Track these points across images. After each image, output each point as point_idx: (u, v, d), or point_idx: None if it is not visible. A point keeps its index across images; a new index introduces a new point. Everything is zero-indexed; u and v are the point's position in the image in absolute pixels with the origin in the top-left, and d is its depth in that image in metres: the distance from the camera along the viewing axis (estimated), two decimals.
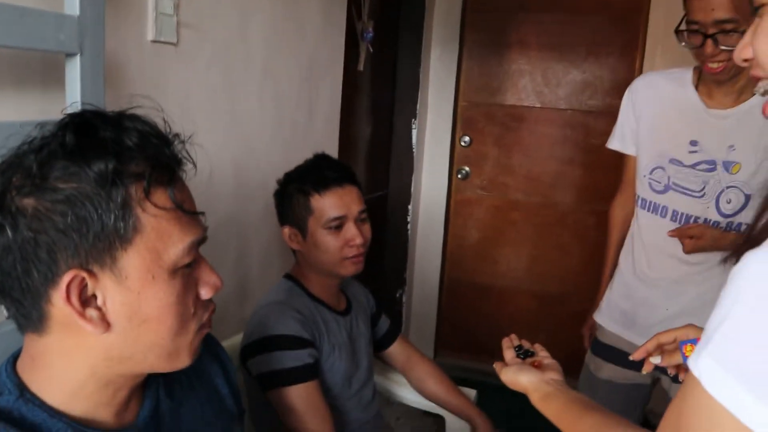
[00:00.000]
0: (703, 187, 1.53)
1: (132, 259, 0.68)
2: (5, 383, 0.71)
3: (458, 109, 3.10)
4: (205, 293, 0.78)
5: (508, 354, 1.10)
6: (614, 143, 1.76)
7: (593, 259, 3.03)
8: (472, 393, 1.69)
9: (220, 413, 0.92)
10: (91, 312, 0.67)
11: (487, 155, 3.12)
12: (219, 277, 0.79)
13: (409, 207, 3.01)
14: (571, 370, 3.08)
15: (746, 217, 1.50)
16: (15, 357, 0.75)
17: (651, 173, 1.61)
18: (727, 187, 1.51)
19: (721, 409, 0.53)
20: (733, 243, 1.45)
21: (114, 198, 0.66)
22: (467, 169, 3.14)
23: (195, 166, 0.78)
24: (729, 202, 1.51)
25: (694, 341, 0.99)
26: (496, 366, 1.07)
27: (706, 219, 1.53)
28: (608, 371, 1.75)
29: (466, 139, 3.11)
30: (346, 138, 2.31)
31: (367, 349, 1.50)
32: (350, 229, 1.36)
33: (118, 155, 0.66)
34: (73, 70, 0.92)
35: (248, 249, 1.67)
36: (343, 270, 1.38)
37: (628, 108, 1.70)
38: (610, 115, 2.87)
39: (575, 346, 3.11)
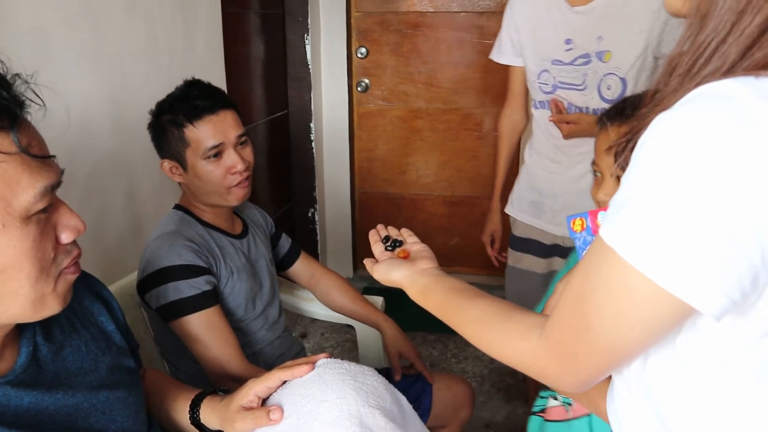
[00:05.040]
0: (584, 80, 1.64)
1: None
2: None
3: (351, 19, 3.03)
4: (66, 237, 0.76)
5: (377, 249, 1.03)
6: (500, 58, 1.85)
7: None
8: (378, 300, 1.75)
9: (107, 349, 0.92)
10: None
11: (385, 65, 3.09)
12: (80, 219, 0.78)
13: (312, 125, 2.97)
14: (485, 266, 3.24)
15: None
16: None
17: (539, 77, 1.71)
18: (605, 75, 1.62)
19: (637, 275, 0.55)
20: None
21: None
22: (366, 81, 3.11)
23: (44, 106, 0.74)
24: (609, 88, 1.62)
25: (585, 215, 1.01)
26: (367, 263, 1.01)
27: (594, 109, 1.65)
28: (527, 262, 1.90)
29: (363, 50, 3.06)
30: (235, 60, 2.24)
31: (268, 269, 1.52)
32: (230, 156, 1.34)
33: None
34: None
35: (138, 186, 1.63)
36: (230, 198, 1.37)
37: (508, 20, 1.80)
38: (501, 15, 2.89)
39: None
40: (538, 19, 1.70)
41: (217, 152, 1.32)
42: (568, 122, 1.63)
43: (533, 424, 1.17)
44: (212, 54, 2.01)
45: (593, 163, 1.16)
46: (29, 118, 0.73)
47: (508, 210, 1.97)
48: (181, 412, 1.03)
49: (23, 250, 0.70)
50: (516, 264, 1.94)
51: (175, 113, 1.31)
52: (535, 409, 1.18)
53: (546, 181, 1.82)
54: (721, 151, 0.51)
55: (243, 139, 1.37)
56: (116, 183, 1.55)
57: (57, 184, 0.74)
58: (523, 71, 1.81)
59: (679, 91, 0.59)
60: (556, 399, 1.12)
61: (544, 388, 2.07)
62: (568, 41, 1.63)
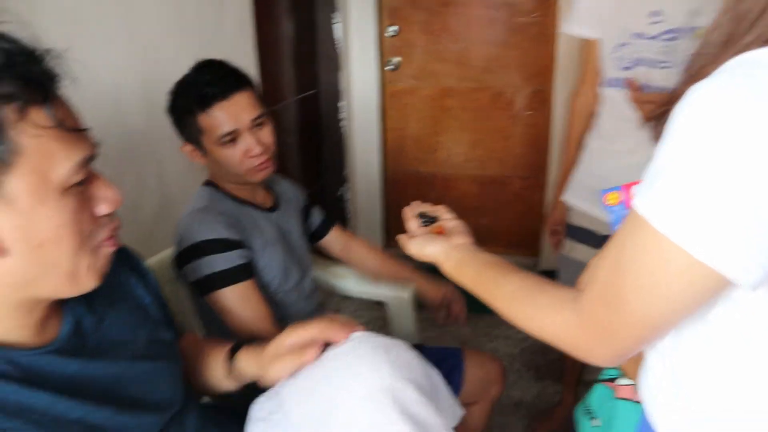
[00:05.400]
0: (669, 58, 1.51)
1: (17, 183, 0.67)
2: None
3: None
4: (103, 209, 0.77)
5: (412, 224, 1.04)
6: (572, 28, 1.69)
7: (530, 139, 3.09)
8: None
9: (144, 321, 0.94)
10: None
11: (416, 43, 3.07)
12: (116, 191, 0.79)
13: (342, 104, 2.97)
14: (516, 245, 3.22)
15: None
16: None
17: (617, 51, 1.58)
18: None
19: (672, 247, 0.55)
20: None
21: None
22: (397, 59, 3.10)
23: (75, 80, 0.75)
24: None
25: (619, 188, 0.99)
26: (401, 239, 1.01)
27: None
28: (580, 252, 1.81)
29: (393, 28, 3.04)
30: (264, 39, 2.24)
31: (300, 242, 1.53)
32: (245, 140, 1.32)
33: None
34: None
35: (170, 161, 1.65)
36: (250, 178, 1.37)
37: None
38: None
39: (519, 225, 3.24)
40: None
41: (233, 138, 1.31)
42: (649, 101, 1.49)
43: (598, 391, 1.15)
44: (242, 33, 2.02)
45: None
46: (62, 92, 0.74)
47: (565, 197, 1.85)
48: (218, 365, 1.05)
49: (62, 222, 0.71)
50: (569, 253, 1.86)
51: (186, 100, 1.30)
52: (601, 377, 1.16)
53: (610, 168, 1.67)
54: (755, 121, 0.50)
55: (259, 120, 1.34)
56: (149, 159, 1.57)
57: (92, 157, 0.75)
58: (598, 45, 1.66)
59: (717, 61, 0.58)
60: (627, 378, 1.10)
61: (584, 366, 2.05)
62: (655, 13, 1.49)
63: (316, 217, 1.67)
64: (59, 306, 0.82)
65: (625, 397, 1.07)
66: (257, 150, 1.33)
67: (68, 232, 0.72)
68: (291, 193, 1.61)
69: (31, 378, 0.74)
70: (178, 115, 1.34)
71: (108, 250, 0.80)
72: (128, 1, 1.44)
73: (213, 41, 1.81)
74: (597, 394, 1.12)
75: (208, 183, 1.43)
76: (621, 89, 1.59)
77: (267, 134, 1.37)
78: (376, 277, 1.69)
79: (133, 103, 1.48)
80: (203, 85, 1.29)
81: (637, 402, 1.02)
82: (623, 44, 1.56)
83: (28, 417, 0.71)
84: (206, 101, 1.28)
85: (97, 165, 0.79)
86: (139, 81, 1.50)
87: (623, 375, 1.07)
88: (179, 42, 1.66)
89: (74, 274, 0.75)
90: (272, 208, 1.49)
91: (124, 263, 0.97)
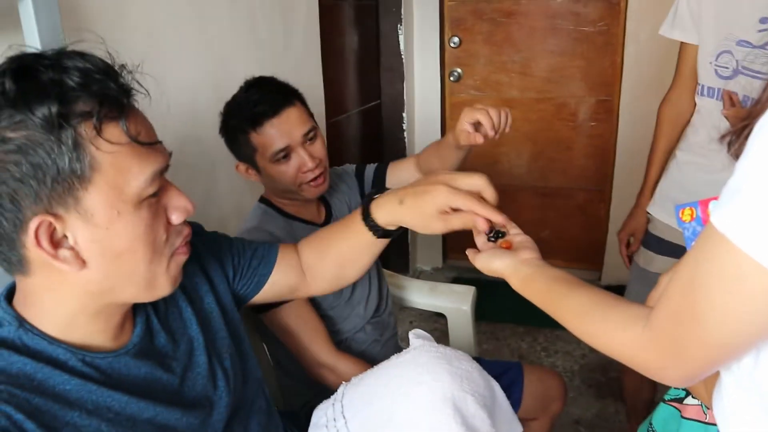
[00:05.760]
0: None
1: (95, 197, 0.69)
2: (3, 317, 0.76)
3: (444, 9, 3.02)
4: (176, 218, 0.80)
5: (480, 239, 1.03)
6: (672, 32, 1.61)
7: (594, 150, 3.04)
8: (471, 289, 1.74)
9: (204, 319, 0.96)
10: (64, 252, 0.70)
11: (478, 54, 3.06)
12: (189, 200, 0.81)
13: (404, 115, 2.99)
14: (578, 259, 3.15)
15: None
16: (8, 292, 0.79)
17: (717, 59, 1.50)
18: None
19: (749, 263, 0.53)
20: None
21: (65, 140, 0.66)
22: (459, 70, 3.10)
23: (148, 94, 0.77)
24: None
25: (695, 204, 0.97)
26: (469, 253, 1.01)
27: None
28: (660, 264, 1.71)
29: (455, 39, 3.04)
30: (330, 50, 2.28)
31: None
32: (298, 156, 1.32)
33: (60, 97, 0.66)
34: (27, 10, 0.91)
35: (232, 178, 1.69)
36: (305, 194, 1.37)
37: None
38: (600, 0, 2.81)
39: (581, 238, 3.18)
40: None
41: (285, 154, 1.31)
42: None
43: (663, 411, 1.11)
44: (310, 45, 2.06)
45: None
46: (137, 105, 0.76)
47: (650, 208, 1.76)
48: (359, 231, 1.02)
49: (138, 234, 0.74)
50: (646, 266, 1.75)
51: (238, 120, 1.31)
52: (667, 397, 1.12)
53: (701, 183, 1.56)
54: None
55: (311, 135, 1.35)
56: (221, 172, 1.61)
57: (165, 168, 0.77)
58: (697, 50, 1.58)
59: None
60: (694, 398, 1.06)
61: (647, 388, 1.98)
62: (764, 20, 1.39)
63: (369, 173, 1.58)
64: (132, 310, 0.86)
65: (692, 417, 1.03)
66: (311, 164, 1.33)
67: (143, 243, 0.75)
68: (341, 189, 1.56)
69: (108, 379, 0.77)
70: (231, 136, 1.36)
71: (181, 258, 0.83)
72: (203, 16, 1.50)
73: (283, 54, 1.86)
74: (661, 414, 1.09)
75: (262, 199, 1.45)
76: (717, 100, 1.51)
77: (319, 148, 1.36)
78: (442, 164, 1.48)
79: (208, 117, 1.53)
80: (253, 104, 1.30)
81: (704, 423, 0.98)
82: (726, 51, 1.47)
83: (104, 416, 0.74)
84: (257, 120, 1.29)
85: (168, 176, 0.81)
86: (214, 94, 1.54)
87: (690, 394, 1.04)
88: (251, 55, 1.70)
89: (151, 281, 0.78)
90: (325, 222, 1.48)
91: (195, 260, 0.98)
